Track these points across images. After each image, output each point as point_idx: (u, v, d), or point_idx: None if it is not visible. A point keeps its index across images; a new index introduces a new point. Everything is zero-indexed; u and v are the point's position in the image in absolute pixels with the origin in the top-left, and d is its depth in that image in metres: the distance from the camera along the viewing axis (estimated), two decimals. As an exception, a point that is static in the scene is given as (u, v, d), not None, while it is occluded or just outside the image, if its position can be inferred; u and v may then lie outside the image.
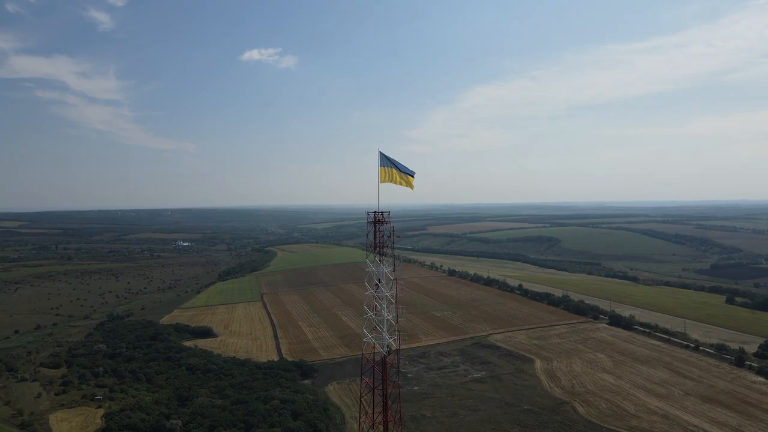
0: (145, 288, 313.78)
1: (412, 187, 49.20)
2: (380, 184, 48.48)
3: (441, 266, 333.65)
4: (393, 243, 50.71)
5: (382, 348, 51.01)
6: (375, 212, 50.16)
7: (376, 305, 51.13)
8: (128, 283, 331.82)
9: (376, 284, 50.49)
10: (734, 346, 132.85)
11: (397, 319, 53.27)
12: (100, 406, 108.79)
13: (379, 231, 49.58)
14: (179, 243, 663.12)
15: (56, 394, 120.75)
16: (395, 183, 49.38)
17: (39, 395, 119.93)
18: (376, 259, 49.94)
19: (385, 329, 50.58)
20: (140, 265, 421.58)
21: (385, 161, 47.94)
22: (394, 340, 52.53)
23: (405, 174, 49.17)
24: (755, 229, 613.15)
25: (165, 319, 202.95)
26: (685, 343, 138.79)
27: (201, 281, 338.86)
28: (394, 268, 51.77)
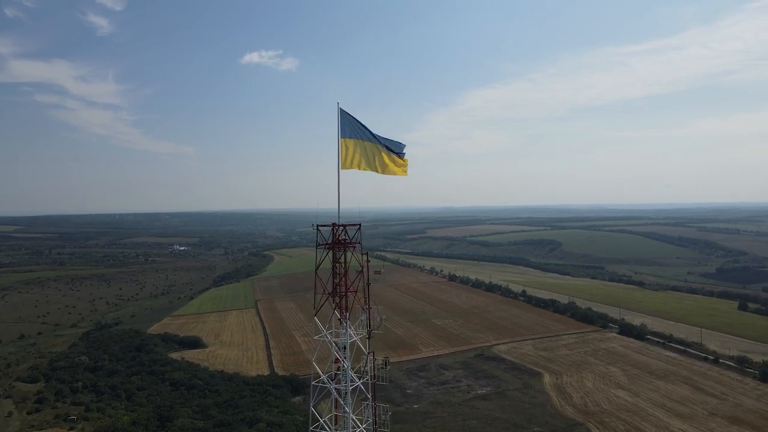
0: (137, 294, 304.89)
1: (403, 170, 28.80)
2: (342, 171, 28.27)
3: (441, 270, 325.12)
4: (367, 285, 28.31)
5: None
6: (333, 225, 28.37)
7: (335, 401, 29.22)
8: (120, 289, 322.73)
9: (336, 362, 29.09)
10: (755, 357, 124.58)
11: (375, 426, 29.87)
12: (72, 428, 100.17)
13: (340, 262, 27.92)
14: (175, 247, 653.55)
15: (29, 413, 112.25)
16: (368, 168, 28.21)
17: (10, 414, 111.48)
18: (335, 314, 28.27)
19: None
20: (134, 271, 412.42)
21: (351, 129, 28.12)
22: None
23: (389, 151, 28.50)
24: (758, 232, 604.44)
25: (154, 328, 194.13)
26: (703, 354, 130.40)
27: (195, 287, 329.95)
28: (369, 332, 29.17)
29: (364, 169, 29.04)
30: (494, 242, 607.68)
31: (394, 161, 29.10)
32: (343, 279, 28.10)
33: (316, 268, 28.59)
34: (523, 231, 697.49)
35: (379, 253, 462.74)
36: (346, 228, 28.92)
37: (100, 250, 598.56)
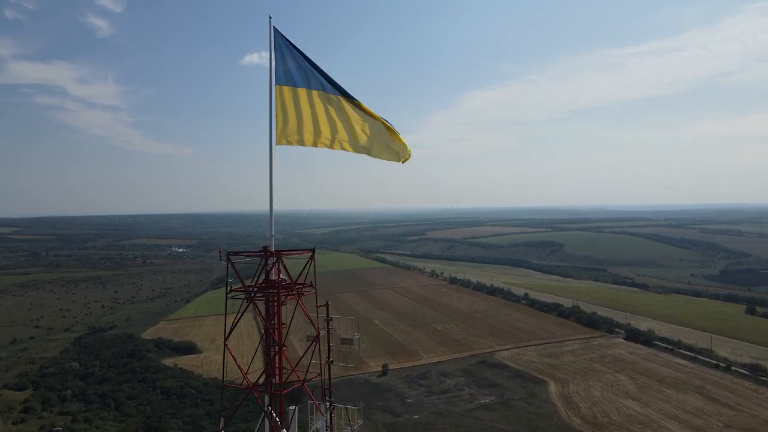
0: (133, 297, 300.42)
1: (403, 154, 16.00)
2: (276, 147, 16.53)
3: (442, 273, 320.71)
4: (327, 364, 15.74)
5: None
6: (265, 252, 16.42)
7: None
8: (116, 291, 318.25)
9: None
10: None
11: None
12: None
13: (273, 321, 15.22)
14: (174, 249, 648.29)
15: (13, 423, 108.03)
16: (331, 145, 15.54)
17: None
18: (268, 407, 15.85)
19: None
20: (131, 273, 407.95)
21: (298, 69, 14.72)
22: None
23: (372, 119, 15.54)
24: (761, 233, 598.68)
25: (148, 333, 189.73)
26: (714, 362, 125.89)
27: (193, 290, 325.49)
28: None
29: (321, 146, 15.20)
30: (495, 244, 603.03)
31: (384, 133, 15.94)
32: (280, 356, 13.45)
33: (226, 337, 13.60)
34: (524, 232, 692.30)
35: (378, 255, 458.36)
36: (281, 259, 13.77)
37: (98, 252, 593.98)
